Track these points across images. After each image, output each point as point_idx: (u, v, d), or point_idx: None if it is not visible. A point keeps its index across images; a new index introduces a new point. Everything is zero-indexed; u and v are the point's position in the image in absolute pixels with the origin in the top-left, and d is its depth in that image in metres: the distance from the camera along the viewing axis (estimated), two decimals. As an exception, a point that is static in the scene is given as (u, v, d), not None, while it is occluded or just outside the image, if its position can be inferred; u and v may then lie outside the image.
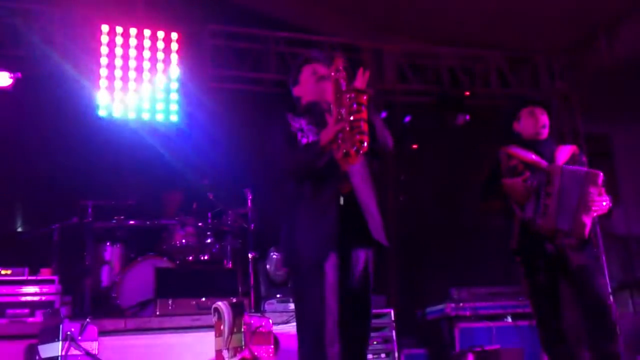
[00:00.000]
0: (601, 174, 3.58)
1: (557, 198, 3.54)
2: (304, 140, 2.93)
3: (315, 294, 2.76)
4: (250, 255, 5.52)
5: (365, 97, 2.70)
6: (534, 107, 3.86)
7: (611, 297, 6.88)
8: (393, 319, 5.49)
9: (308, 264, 2.80)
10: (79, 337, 3.83)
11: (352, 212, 2.84)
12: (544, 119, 3.83)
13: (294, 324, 4.60)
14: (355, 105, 2.66)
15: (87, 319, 3.99)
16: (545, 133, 3.82)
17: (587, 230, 3.53)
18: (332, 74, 2.83)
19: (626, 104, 7.63)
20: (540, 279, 3.64)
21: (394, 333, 5.43)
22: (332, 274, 2.80)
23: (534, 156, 3.71)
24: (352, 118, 2.64)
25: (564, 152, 3.78)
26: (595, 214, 3.57)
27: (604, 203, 3.57)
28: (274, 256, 5.58)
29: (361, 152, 2.62)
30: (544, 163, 3.67)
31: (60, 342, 3.79)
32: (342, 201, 2.82)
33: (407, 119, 7.55)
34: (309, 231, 2.81)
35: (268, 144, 3.02)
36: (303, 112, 3.09)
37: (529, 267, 3.69)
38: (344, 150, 2.62)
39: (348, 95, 2.70)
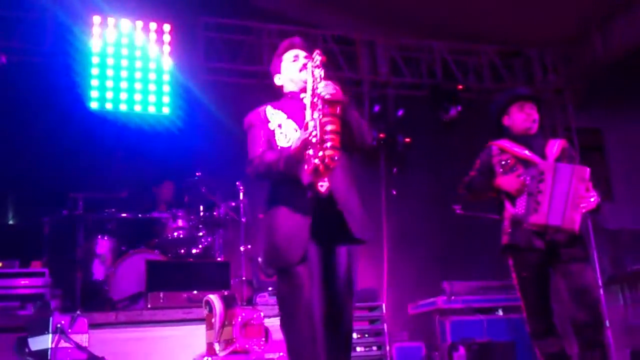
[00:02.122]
0: (588, 169, 3.57)
1: (549, 195, 3.55)
2: (281, 137, 2.91)
3: (291, 293, 2.78)
4: (242, 248, 5.53)
5: (338, 107, 2.65)
6: (524, 102, 3.85)
7: (600, 290, 6.95)
8: (384, 312, 5.51)
9: (289, 261, 2.78)
10: (69, 330, 3.83)
11: (330, 211, 2.80)
12: (534, 114, 3.83)
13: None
14: (327, 117, 2.61)
15: (77, 312, 3.98)
16: (535, 128, 3.82)
17: (577, 226, 3.53)
18: (310, 66, 2.80)
19: (619, 98, 7.65)
20: (529, 274, 3.65)
21: (385, 326, 5.45)
22: (310, 273, 2.78)
23: (527, 152, 3.71)
24: (324, 130, 2.58)
25: (555, 147, 3.78)
26: (584, 210, 3.56)
27: (592, 199, 3.56)
28: (266, 249, 5.56)
29: (331, 167, 2.56)
30: (536, 159, 3.67)
31: (50, 335, 3.78)
32: (318, 201, 2.78)
33: (400, 112, 7.56)
34: (286, 231, 2.79)
35: (248, 143, 3.01)
36: (283, 104, 3.05)
37: (518, 262, 3.70)
38: (313, 166, 2.57)
39: (320, 106, 2.65)
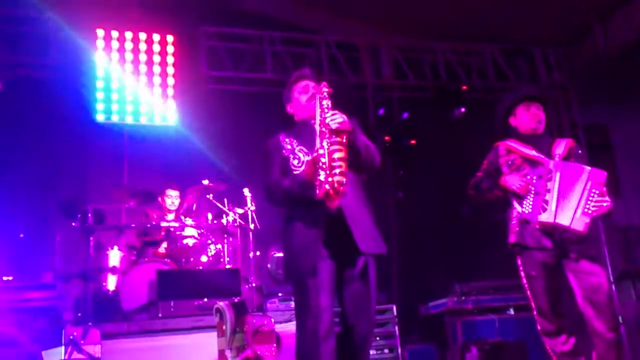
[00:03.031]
0: (605, 173, 3.54)
1: (556, 194, 3.53)
2: (294, 163, 3.08)
3: (308, 303, 2.89)
4: (251, 255, 5.54)
5: (344, 136, 2.82)
6: (530, 102, 3.84)
7: (613, 287, 6.92)
8: (395, 314, 5.50)
9: (300, 276, 2.95)
10: (82, 341, 3.85)
11: (341, 227, 2.96)
12: (541, 114, 3.82)
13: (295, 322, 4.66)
14: (334, 146, 2.79)
15: (89, 323, 4.00)
16: (541, 128, 3.81)
17: (586, 229, 3.51)
18: (317, 97, 2.96)
19: (623, 94, 7.62)
20: (538, 273, 3.64)
21: (396, 328, 5.44)
22: (325, 283, 2.91)
23: (533, 151, 3.70)
24: (332, 158, 2.76)
25: (562, 146, 3.76)
26: (595, 214, 3.53)
27: (605, 204, 3.52)
28: (275, 256, 5.59)
29: (340, 191, 2.74)
30: (543, 158, 3.66)
31: (63, 347, 3.81)
32: (330, 219, 2.94)
33: (405, 115, 7.57)
34: (301, 246, 2.97)
35: (262, 171, 3.14)
36: (295, 131, 3.21)
37: (527, 261, 3.68)
38: (324, 191, 2.75)
39: (327, 135, 2.82)
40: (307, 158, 3.02)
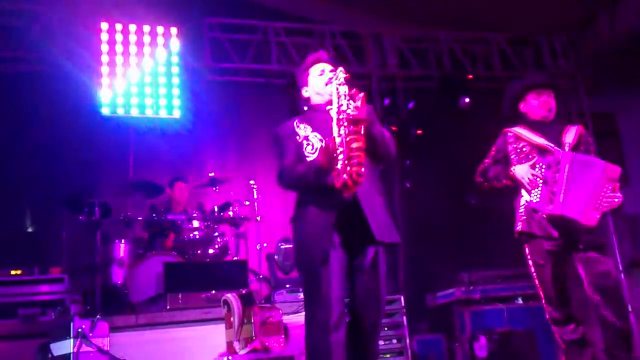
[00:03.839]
0: (620, 169, 3.50)
1: (565, 186, 3.49)
2: (308, 149, 3.04)
3: (320, 291, 2.87)
4: (258, 247, 5.54)
5: (362, 126, 2.77)
6: (541, 89, 3.80)
7: (622, 275, 6.89)
8: (403, 304, 5.48)
9: (312, 264, 2.92)
10: (90, 334, 3.86)
11: (355, 216, 2.94)
12: (552, 102, 3.78)
13: (304, 313, 4.66)
14: (352, 135, 2.74)
15: (98, 316, 4.01)
16: (551, 116, 3.77)
17: (595, 223, 3.46)
18: (335, 83, 2.89)
19: (631, 81, 7.56)
20: (545, 261, 3.62)
21: (404, 319, 5.43)
22: (337, 272, 2.90)
23: (543, 139, 3.65)
24: (350, 147, 2.73)
25: (571, 134, 3.71)
26: (605, 209, 3.48)
27: (616, 200, 3.49)
28: (282, 247, 5.58)
29: (359, 182, 2.72)
30: (552, 147, 3.62)
31: (72, 340, 3.81)
32: (344, 207, 2.92)
33: (411, 105, 7.53)
34: (313, 234, 2.94)
35: (276, 156, 3.11)
36: (308, 117, 3.16)
37: (534, 250, 3.66)
38: (343, 181, 2.73)
39: (345, 124, 2.78)
40: (321, 144, 2.97)
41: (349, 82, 2.88)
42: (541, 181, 3.56)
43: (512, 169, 3.68)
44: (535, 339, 5.11)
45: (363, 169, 2.71)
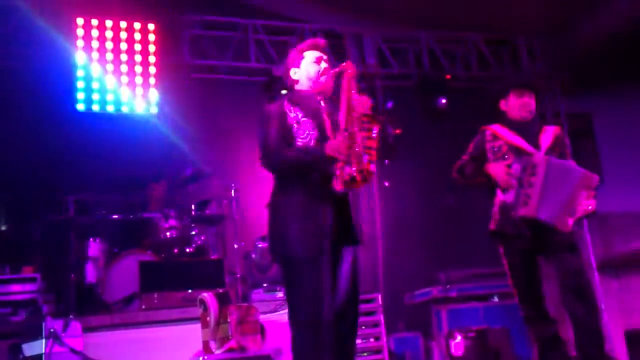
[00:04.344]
0: (597, 177, 3.55)
1: (540, 189, 3.52)
2: (299, 133, 2.96)
3: (312, 286, 2.80)
4: (235, 246, 5.51)
5: (377, 124, 2.81)
6: (524, 90, 3.83)
7: (596, 274, 6.98)
8: (381, 303, 5.50)
9: (305, 257, 2.83)
10: (63, 334, 3.80)
11: (343, 212, 2.93)
12: (532, 104, 3.81)
13: (282, 312, 4.64)
14: (368, 132, 2.77)
15: (70, 316, 3.95)
16: (528, 116, 3.81)
17: (568, 229, 3.52)
18: (345, 75, 2.90)
19: (607, 82, 7.66)
20: (518, 260, 3.66)
21: (382, 317, 5.44)
22: (327, 267, 2.86)
23: (520, 140, 3.69)
24: (363, 145, 2.75)
25: (548, 135, 3.75)
26: (579, 215, 3.54)
27: (590, 207, 3.54)
28: (260, 245, 5.56)
29: (368, 180, 2.76)
30: (530, 149, 3.65)
31: (44, 340, 3.75)
32: (335, 202, 2.90)
33: (390, 104, 7.54)
34: (305, 225, 2.85)
35: (262, 134, 2.99)
36: (298, 101, 3.09)
37: (507, 249, 3.70)
38: (351, 175, 2.72)
39: (361, 118, 2.79)
40: (313, 132, 2.95)
41: (358, 78, 2.91)
42: (516, 181, 3.59)
43: (487, 166, 3.71)
44: (510, 336, 5.15)
45: (374, 170, 2.74)
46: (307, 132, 2.97)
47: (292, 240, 2.86)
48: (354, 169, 2.71)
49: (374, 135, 2.76)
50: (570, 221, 3.50)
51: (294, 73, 3.17)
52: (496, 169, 3.67)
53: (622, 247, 7.15)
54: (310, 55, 3.15)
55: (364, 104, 2.81)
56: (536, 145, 3.68)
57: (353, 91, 2.86)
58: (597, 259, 7.23)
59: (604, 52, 7.16)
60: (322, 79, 3.08)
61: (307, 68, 3.14)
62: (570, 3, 7.16)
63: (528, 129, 3.77)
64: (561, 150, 3.74)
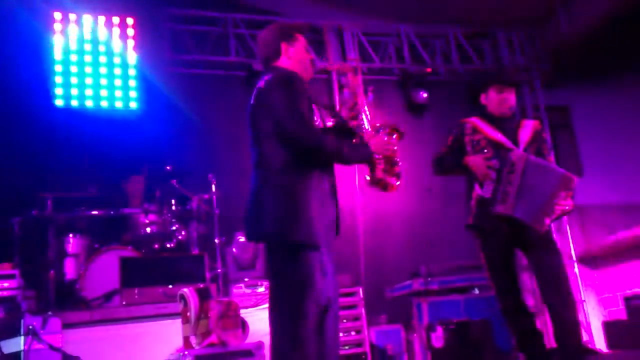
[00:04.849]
0: (575, 179, 3.57)
1: (517, 187, 3.55)
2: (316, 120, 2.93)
3: (314, 276, 2.73)
4: (216, 241, 5.49)
5: (398, 136, 2.97)
6: (504, 86, 3.85)
7: (576, 266, 7.06)
8: (362, 296, 5.52)
9: (315, 245, 2.73)
10: (42, 331, 3.77)
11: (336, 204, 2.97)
12: (512, 99, 3.84)
13: (263, 306, 4.64)
14: (391, 140, 2.93)
15: (50, 312, 3.92)
16: (506, 111, 3.83)
17: (544, 228, 3.55)
18: (359, 83, 3.04)
19: (585, 75, 7.74)
20: (496, 253, 3.69)
21: (363, 311, 5.47)
22: (329, 260, 2.85)
23: (499, 135, 3.71)
24: (390, 151, 2.93)
25: (527, 131, 3.77)
26: (556, 215, 3.57)
27: (567, 207, 3.56)
28: (241, 240, 5.55)
29: (395, 189, 2.96)
30: (509, 144, 3.67)
31: (22, 337, 3.72)
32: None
33: (371, 97, 7.55)
34: (320, 215, 2.77)
35: (292, 105, 2.76)
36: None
37: (484, 242, 3.73)
38: (387, 180, 2.91)
39: (382, 129, 2.95)
40: (318, 122, 2.92)
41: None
42: (494, 176, 3.61)
43: (466, 158, 3.74)
44: (491, 328, 5.18)
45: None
46: (321, 121, 2.95)
47: (305, 225, 2.71)
48: (393, 176, 2.88)
49: (395, 143, 2.93)
50: (547, 221, 3.53)
51: (290, 52, 3.00)
52: (475, 161, 3.69)
53: (601, 239, 7.23)
54: (303, 40, 3.05)
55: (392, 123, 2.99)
56: (515, 141, 3.70)
57: (364, 98, 2.98)
58: (576, 251, 7.31)
59: (582, 46, 7.23)
60: (309, 70, 3.04)
61: (299, 52, 3.01)
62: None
63: (507, 123, 3.80)
64: (539, 145, 3.77)
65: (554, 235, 3.78)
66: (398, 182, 2.96)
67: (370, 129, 2.96)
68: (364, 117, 2.99)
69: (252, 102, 2.90)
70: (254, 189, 2.84)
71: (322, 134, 2.84)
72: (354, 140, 2.99)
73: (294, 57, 3.00)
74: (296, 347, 2.68)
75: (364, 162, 2.91)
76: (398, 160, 2.95)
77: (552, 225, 3.72)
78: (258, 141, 2.84)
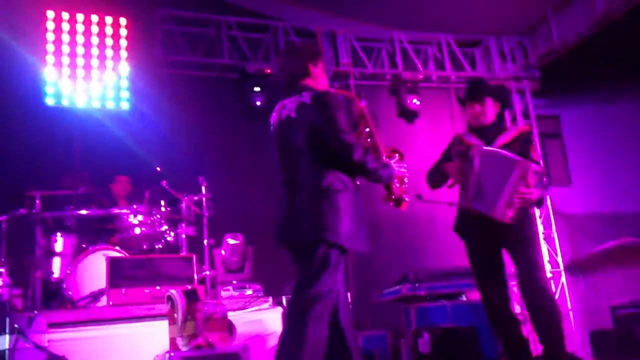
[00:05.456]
0: (531, 165, 3.51)
1: (475, 179, 3.59)
2: None
3: (340, 279, 2.97)
4: (205, 242, 5.48)
5: (398, 157, 3.21)
6: (470, 101, 3.93)
7: (563, 275, 7.08)
8: (350, 301, 5.51)
9: (347, 252, 2.97)
10: (27, 330, 3.74)
11: None
12: (484, 111, 3.88)
13: (250, 309, 4.63)
14: (400, 164, 3.17)
15: (35, 311, 3.89)
16: (483, 120, 3.87)
17: (507, 219, 3.51)
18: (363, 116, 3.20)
19: (575, 85, 7.81)
20: (478, 258, 3.72)
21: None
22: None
23: (473, 139, 3.78)
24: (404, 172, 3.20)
25: (508, 134, 3.80)
26: (519, 205, 3.52)
27: (528, 196, 3.49)
28: (230, 242, 5.53)
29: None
30: (471, 142, 3.77)
31: (8, 336, 3.69)
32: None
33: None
34: (357, 224, 2.98)
35: (344, 128, 2.99)
36: None
37: (468, 247, 3.77)
38: (402, 197, 3.15)
39: (391, 153, 3.18)
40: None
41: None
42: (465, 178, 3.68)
43: (443, 165, 3.82)
44: (477, 335, 5.19)
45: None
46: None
47: (345, 231, 2.92)
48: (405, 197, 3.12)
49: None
50: (510, 212, 3.49)
51: (312, 70, 3.20)
52: (451, 167, 3.76)
53: (588, 248, 7.27)
54: (321, 64, 3.25)
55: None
56: (491, 144, 3.76)
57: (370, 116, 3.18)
58: (563, 260, 7.36)
59: (573, 54, 7.28)
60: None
61: (322, 74, 3.23)
62: (541, 5, 7.28)
63: (488, 132, 3.85)
64: (522, 146, 3.73)
65: (537, 237, 3.74)
66: (408, 199, 3.20)
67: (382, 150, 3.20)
68: (376, 138, 3.21)
69: (293, 115, 3.06)
70: (295, 197, 3.04)
71: (365, 152, 3.03)
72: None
73: (318, 78, 3.21)
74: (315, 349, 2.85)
75: (389, 181, 3.14)
76: (407, 179, 3.18)
77: (529, 227, 3.68)
78: (296, 153, 3.04)
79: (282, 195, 3.08)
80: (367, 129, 3.22)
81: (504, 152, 3.62)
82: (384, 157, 3.17)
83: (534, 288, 3.52)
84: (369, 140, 3.22)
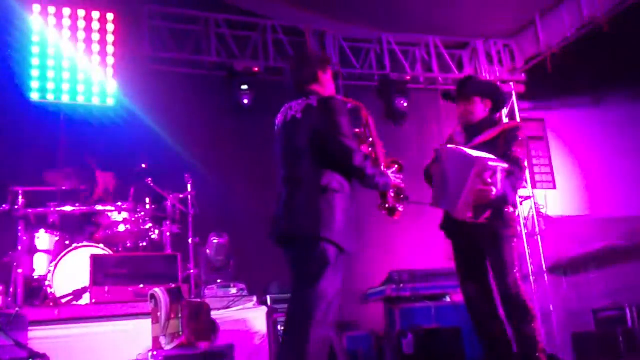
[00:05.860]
0: (485, 161, 3.42)
1: (439, 178, 3.63)
2: None
3: (339, 280, 3.00)
4: (190, 241, 5.45)
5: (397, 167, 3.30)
6: (456, 101, 3.97)
7: (546, 277, 7.12)
8: (334, 301, 5.50)
9: (343, 250, 3.01)
10: (8, 327, 3.70)
11: None
12: (468, 109, 3.90)
13: (234, 308, 4.62)
14: (398, 175, 3.23)
15: (17, 309, 3.85)
16: (470, 119, 3.88)
17: (463, 216, 3.48)
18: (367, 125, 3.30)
19: (560, 88, 7.86)
20: (461, 258, 3.74)
21: (335, 316, 5.45)
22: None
23: (459, 137, 3.83)
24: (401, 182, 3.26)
25: (491, 131, 3.80)
26: (477, 203, 3.44)
27: (486, 193, 3.41)
28: (215, 241, 5.51)
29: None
30: (443, 146, 3.81)
31: (-12, 333, 3.65)
32: None
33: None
34: (349, 225, 3.04)
35: (346, 133, 3.06)
36: None
37: (453, 247, 3.80)
38: (395, 207, 3.20)
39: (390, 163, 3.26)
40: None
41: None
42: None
43: (427, 166, 3.84)
44: (461, 336, 5.22)
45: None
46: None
47: (339, 229, 2.98)
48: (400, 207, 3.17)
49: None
50: (466, 209, 3.44)
51: (320, 76, 3.27)
52: (432, 166, 3.79)
53: (572, 250, 7.32)
54: (329, 71, 3.33)
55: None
56: (471, 141, 3.78)
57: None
58: (547, 262, 7.40)
59: (559, 58, 7.33)
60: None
61: (329, 81, 3.31)
62: (528, 8, 7.32)
63: (472, 130, 3.86)
64: (506, 142, 3.69)
65: (511, 239, 3.68)
66: (402, 209, 3.24)
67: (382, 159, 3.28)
68: (377, 147, 3.29)
69: (299, 116, 3.14)
70: (293, 193, 3.10)
71: (365, 158, 3.10)
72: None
73: (326, 84, 3.30)
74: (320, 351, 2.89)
75: (385, 189, 3.20)
76: (404, 190, 3.25)
77: (507, 225, 3.66)
78: (298, 152, 3.11)
79: (280, 191, 3.15)
80: (370, 139, 3.31)
81: (463, 150, 3.57)
82: (382, 166, 3.24)
83: (504, 290, 3.54)
84: (370, 149, 3.30)
